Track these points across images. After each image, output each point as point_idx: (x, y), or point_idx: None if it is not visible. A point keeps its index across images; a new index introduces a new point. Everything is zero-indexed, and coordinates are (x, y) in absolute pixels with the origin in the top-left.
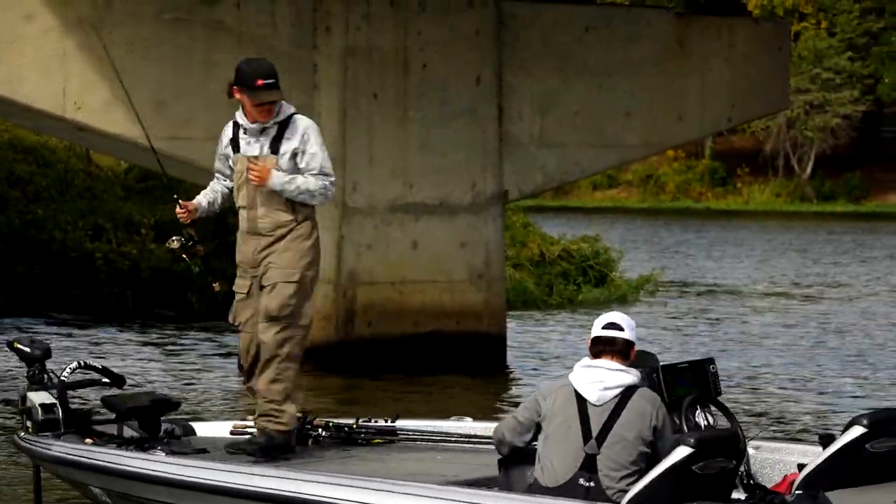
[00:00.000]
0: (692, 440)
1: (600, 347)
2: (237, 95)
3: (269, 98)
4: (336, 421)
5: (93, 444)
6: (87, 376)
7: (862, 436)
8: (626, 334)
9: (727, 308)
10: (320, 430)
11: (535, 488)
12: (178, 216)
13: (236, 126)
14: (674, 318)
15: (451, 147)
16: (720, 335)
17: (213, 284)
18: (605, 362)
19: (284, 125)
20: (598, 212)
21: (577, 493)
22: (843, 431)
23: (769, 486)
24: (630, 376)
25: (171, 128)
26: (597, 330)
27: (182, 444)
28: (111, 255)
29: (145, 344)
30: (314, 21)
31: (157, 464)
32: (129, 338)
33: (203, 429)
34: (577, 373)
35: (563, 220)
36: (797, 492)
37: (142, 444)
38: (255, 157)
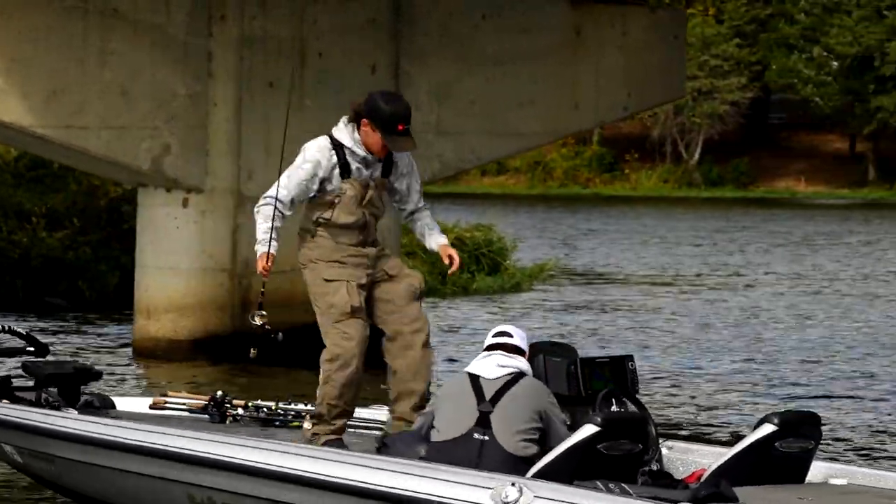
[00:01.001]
0: (599, 419)
1: (491, 349)
2: (366, 129)
3: (407, 146)
4: (256, 402)
5: (9, 403)
6: (9, 344)
7: (771, 434)
8: (514, 340)
9: (623, 296)
10: (240, 409)
11: (430, 450)
12: (263, 274)
13: (340, 150)
14: (569, 307)
15: None
16: (617, 325)
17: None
18: (499, 351)
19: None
20: (487, 198)
21: (472, 445)
22: (754, 429)
23: None
24: (523, 364)
25: (65, 117)
26: (489, 339)
27: (97, 413)
28: (1, 243)
29: (40, 331)
30: (209, 9)
31: (68, 420)
32: (21, 328)
33: (122, 403)
34: (472, 364)
35: (449, 207)
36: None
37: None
38: (369, 182)
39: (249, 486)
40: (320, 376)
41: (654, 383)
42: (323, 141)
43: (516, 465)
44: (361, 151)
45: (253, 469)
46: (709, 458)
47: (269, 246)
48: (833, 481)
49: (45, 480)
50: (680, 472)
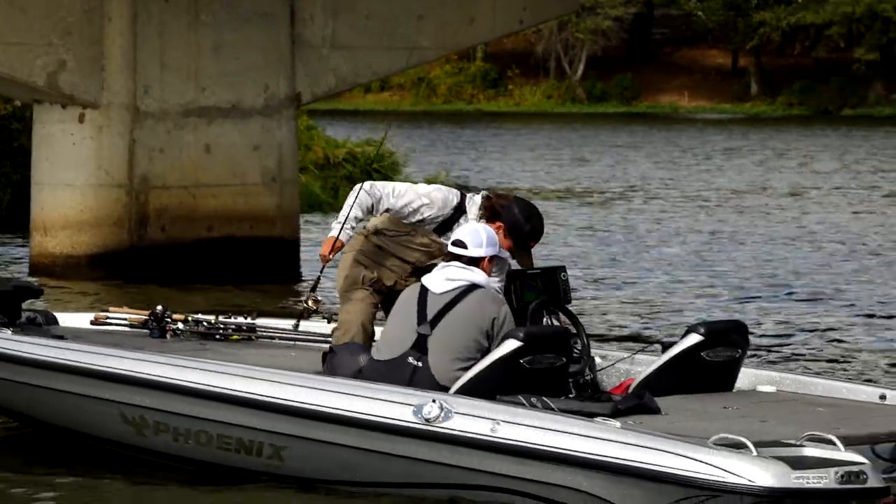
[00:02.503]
0: (521, 333)
1: (450, 257)
2: (498, 230)
3: (527, 263)
4: (196, 316)
5: None
6: None
7: (697, 344)
8: (469, 252)
9: None
10: (179, 324)
11: (367, 367)
12: (322, 258)
13: (457, 213)
14: None
15: (243, 50)
16: None
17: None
18: (455, 262)
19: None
20: (372, 115)
21: (405, 370)
22: (680, 339)
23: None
24: (476, 275)
25: None
26: (449, 243)
27: (40, 330)
28: None
29: None
30: None
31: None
32: None
33: (66, 319)
34: (432, 272)
35: (335, 123)
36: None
37: None
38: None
39: (180, 405)
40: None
41: (587, 294)
42: (452, 198)
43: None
44: (475, 218)
45: (182, 388)
46: (641, 368)
47: (340, 233)
48: (761, 388)
49: None
50: (613, 383)
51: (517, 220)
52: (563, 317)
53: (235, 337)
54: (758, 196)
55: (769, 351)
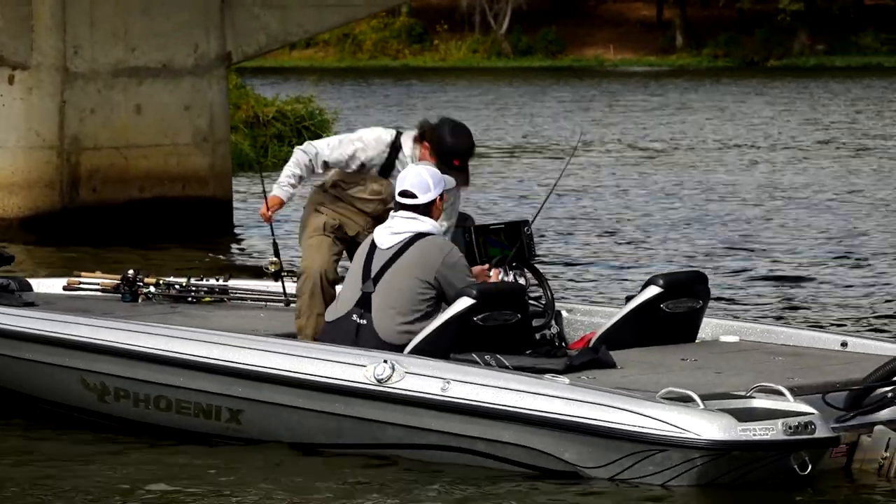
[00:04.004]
0: (473, 291)
1: (398, 206)
2: (425, 151)
3: (457, 182)
4: (167, 279)
5: None
6: None
7: (657, 296)
8: (418, 201)
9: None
10: (151, 287)
11: (321, 330)
12: (263, 217)
13: (395, 151)
14: None
15: (173, 9)
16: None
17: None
18: (402, 212)
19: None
20: (298, 72)
21: (349, 328)
22: (640, 291)
23: None
24: (423, 224)
25: None
26: (396, 194)
27: (12, 298)
28: None
29: None
30: None
31: None
32: None
33: (40, 285)
34: (378, 227)
35: (263, 81)
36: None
37: None
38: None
39: (138, 371)
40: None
41: (552, 248)
42: (386, 135)
43: (394, 351)
44: (410, 153)
45: (140, 354)
46: (604, 321)
47: (284, 192)
48: (724, 338)
49: None
50: (576, 336)
51: (441, 135)
52: (526, 272)
53: (207, 299)
54: (698, 150)
55: (733, 302)
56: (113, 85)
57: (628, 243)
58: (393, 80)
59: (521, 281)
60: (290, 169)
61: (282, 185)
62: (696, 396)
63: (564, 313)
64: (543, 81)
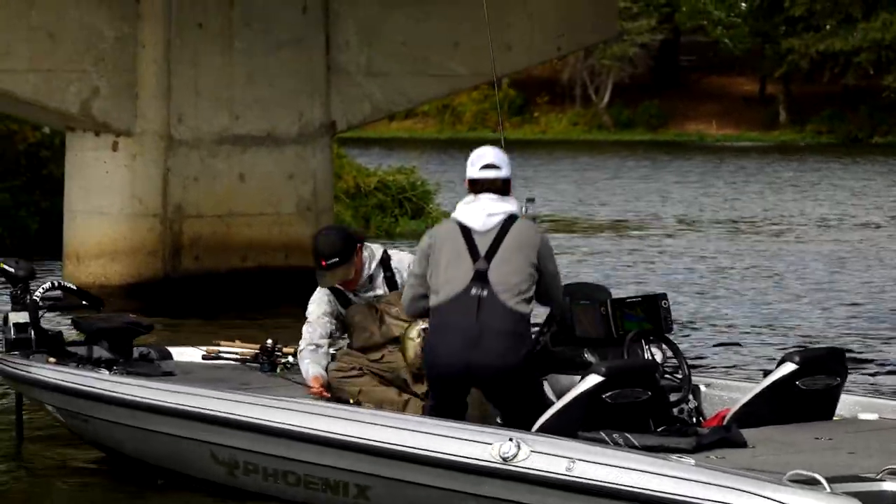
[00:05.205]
0: (603, 368)
1: (480, 187)
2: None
3: (333, 282)
4: None
5: (55, 363)
6: (66, 299)
7: (793, 373)
8: (503, 172)
9: (583, 241)
10: (290, 357)
11: (432, 313)
12: (317, 394)
13: (335, 291)
14: None
15: (277, 77)
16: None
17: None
18: (488, 195)
19: (386, 264)
20: (397, 143)
21: (470, 302)
22: (775, 368)
23: None
24: (511, 205)
25: None
26: (474, 171)
27: (150, 366)
28: None
29: None
30: None
31: (97, 381)
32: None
33: (180, 354)
34: (460, 209)
35: (363, 152)
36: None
37: (110, 366)
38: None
39: (269, 446)
40: None
41: (688, 322)
42: (322, 294)
43: (515, 322)
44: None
45: (272, 429)
46: (741, 397)
47: (315, 369)
48: (862, 416)
49: (83, 438)
50: (712, 412)
51: (314, 238)
52: (664, 346)
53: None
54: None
55: (875, 376)
56: (216, 153)
57: (763, 317)
58: None
59: (658, 355)
60: (305, 368)
61: (309, 364)
62: (822, 479)
63: (702, 388)
64: (646, 155)
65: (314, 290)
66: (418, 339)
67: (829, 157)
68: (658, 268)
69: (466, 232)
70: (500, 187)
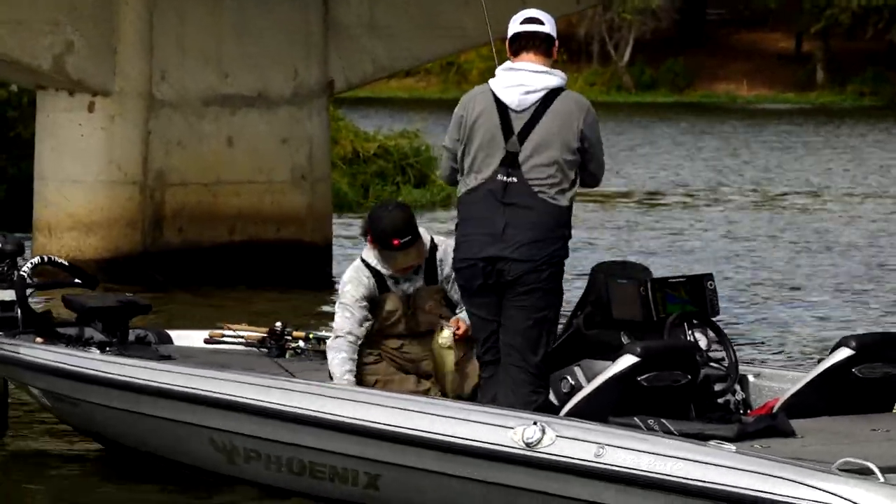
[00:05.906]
0: (638, 348)
1: (520, 44)
2: (372, 245)
3: (407, 263)
4: (318, 333)
5: (42, 343)
6: (57, 277)
7: (848, 359)
8: (546, 28)
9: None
10: (300, 342)
11: (460, 204)
12: None
13: (375, 273)
14: None
15: (270, 32)
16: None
17: None
18: (528, 64)
19: (432, 252)
20: (397, 103)
21: (496, 187)
22: (829, 354)
23: None
24: (555, 78)
25: None
26: (515, 26)
27: (146, 350)
28: None
29: None
30: None
31: (85, 360)
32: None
33: (180, 337)
34: (499, 76)
35: (363, 112)
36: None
37: (103, 348)
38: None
39: (272, 430)
40: None
41: (729, 304)
42: (358, 272)
43: (546, 214)
44: (384, 269)
45: (275, 412)
46: (791, 386)
47: (345, 379)
48: None
49: (70, 423)
50: (761, 401)
51: (371, 216)
52: (709, 331)
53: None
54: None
55: None
56: (203, 114)
57: (815, 299)
58: None
59: (703, 340)
60: (336, 367)
61: (340, 380)
62: (875, 469)
63: (751, 377)
64: (673, 117)
65: (306, 266)
66: (448, 345)
67: (873, 120)
68: (699, 245)
69: (503, 110)
70: (542, 45)
